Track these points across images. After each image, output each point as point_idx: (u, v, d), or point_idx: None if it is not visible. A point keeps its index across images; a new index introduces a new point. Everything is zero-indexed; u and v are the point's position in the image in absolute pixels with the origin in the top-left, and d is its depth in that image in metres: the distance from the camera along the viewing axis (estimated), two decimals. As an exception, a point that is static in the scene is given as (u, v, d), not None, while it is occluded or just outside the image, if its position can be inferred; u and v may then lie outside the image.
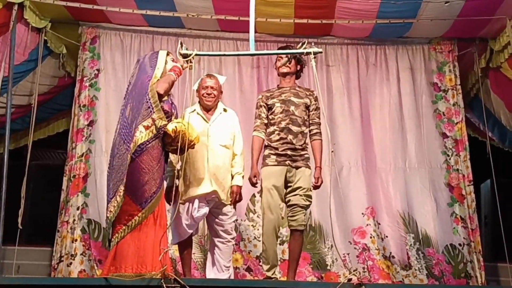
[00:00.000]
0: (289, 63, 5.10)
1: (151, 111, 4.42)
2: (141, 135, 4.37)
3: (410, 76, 6.77)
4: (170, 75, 4.63)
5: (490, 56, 6.48)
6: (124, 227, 4.36)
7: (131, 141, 4.38)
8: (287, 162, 4.93)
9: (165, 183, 4.67)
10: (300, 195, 4.88)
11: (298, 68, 5.17)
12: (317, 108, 5.08)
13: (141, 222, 4.37)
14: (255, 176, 5.02)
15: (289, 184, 4.94)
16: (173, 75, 4.64)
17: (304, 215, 4.90)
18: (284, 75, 5.17)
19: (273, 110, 5.06)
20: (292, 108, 5.00)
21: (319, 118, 5.07)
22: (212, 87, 5.07)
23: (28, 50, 6.16)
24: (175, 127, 4.48)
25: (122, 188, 4.34)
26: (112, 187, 4.46)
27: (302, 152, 4.98)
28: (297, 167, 4.93)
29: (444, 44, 6.81)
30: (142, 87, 4.52)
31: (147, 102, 4.42)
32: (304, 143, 5.02)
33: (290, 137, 4.95)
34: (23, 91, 6.46)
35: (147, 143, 4.41)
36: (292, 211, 4.90)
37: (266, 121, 5.11)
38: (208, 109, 5.08)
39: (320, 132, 5.06)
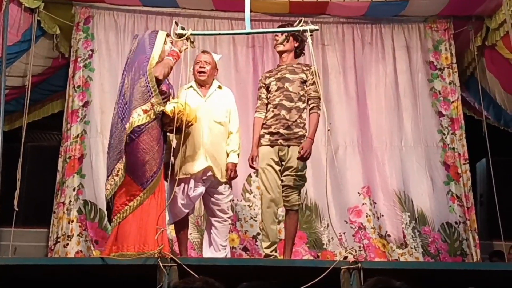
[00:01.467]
0: (287, 41, 5.06)
1: (150, 96, 4.40)
2: (139, 118, 4.36)
3: (406, 55, 6.75)
4: (169, 60, 4.61)
5: (486, 34, 6.46)
6: (126, 207, 4.36)
7: (128, 120, 4.37)
8: (279, 141, 4.89)
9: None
10: (292, 175, 4.85)
11: (296, 45, 5.06)
12: (314, 83, 4.95)
13: (143, 202, 4.37)
14: (252, 158, 5.02)
15: (282, 163, 4.91)
16: (171, 59, 4.62)
17: (298, 195, 4.87)
18: (280, 53, 5.14)
19: (270, 89, 5.05)
20: (286, 84, 4.95)
21: (316, 91, 4.93)
22: (205, 61, 5.03)
23: (21, 31, 6.10)
24: (173, 107, 4.48)
25: (119, 166, 4.36)
26: (109, 165, 4.48)
27: (296, 130, 4.89)
28: (289, 145, 4.88)
29: (440, 22, 6.78)
30: (140, 67, 4.49)
31: (147, 86, 4.40)
32: (299, 118, 4.93)
33: (283, 112, 4.90)
34: (17, 72, 6.40)
35: (147, 123, 4.40)
36: (285, 192, 4.88)
37: (266, 101, 5.08)
38: (202, 84, 5.06)
39: (318, 106, 4.93)
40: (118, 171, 4.38)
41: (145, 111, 4.38)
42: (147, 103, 4.39)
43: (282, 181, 4.91)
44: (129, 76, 4.55)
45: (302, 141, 4.89)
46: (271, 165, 4.90)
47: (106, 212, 4.83)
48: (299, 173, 4.85)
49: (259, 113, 5.10)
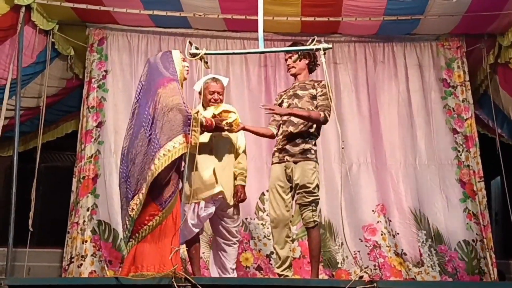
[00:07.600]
0: (299, 60, 5.07)
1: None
2: (175, 149, 4.35)
3: (418, 73, 6.74)
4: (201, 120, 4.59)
5: (499, 52, 6.45)
6: (145, 227, 4.35)
7: (159, 142, 4.35)
8: (285, 158, 4.89)
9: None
10: (301, 193, 4.82)
11: (307, 63, 5.07)
12: (324, 94, 4.91)
13: (162, 222, 4.36)
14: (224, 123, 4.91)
15: (291, 182, 4.90)
16: (202, 121, 4.60)
17: (311, 212, 4.80)
18: (294, 75, 5.13)
19: (283, 106, 5.06)
20: (296, 101, 4.96)
21: (324, 100, 4.88)
22: (218, 92, 5.09)
23: (36, 53, 6.18)
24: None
25: (145, 185, 4.32)
26: (134, 184, 4.39)
27: (302, 145, 4.86)
28: (295, 162, 4.85)
29: (452, 40, 6.78)
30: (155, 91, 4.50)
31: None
32: (306, 132, 4.90)
33: (291, 128, 4.91)
34: (32, 93, 6.48)
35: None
36: (300, 210, 4.89)
37: (278, 118, 5.09)
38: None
39: (325, 111, 4.83)
40: (143, 191, 4.33)
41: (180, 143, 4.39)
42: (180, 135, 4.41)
43: (296, 199, 4.91)
44: (151, 103, 4.48)
45: (308, 155, 4.86)
46: (279, 184, 4.90)
47: (123, 233, 4.59)
48: (307, 189, 4.81)
49: (270, 126, 5.16)
